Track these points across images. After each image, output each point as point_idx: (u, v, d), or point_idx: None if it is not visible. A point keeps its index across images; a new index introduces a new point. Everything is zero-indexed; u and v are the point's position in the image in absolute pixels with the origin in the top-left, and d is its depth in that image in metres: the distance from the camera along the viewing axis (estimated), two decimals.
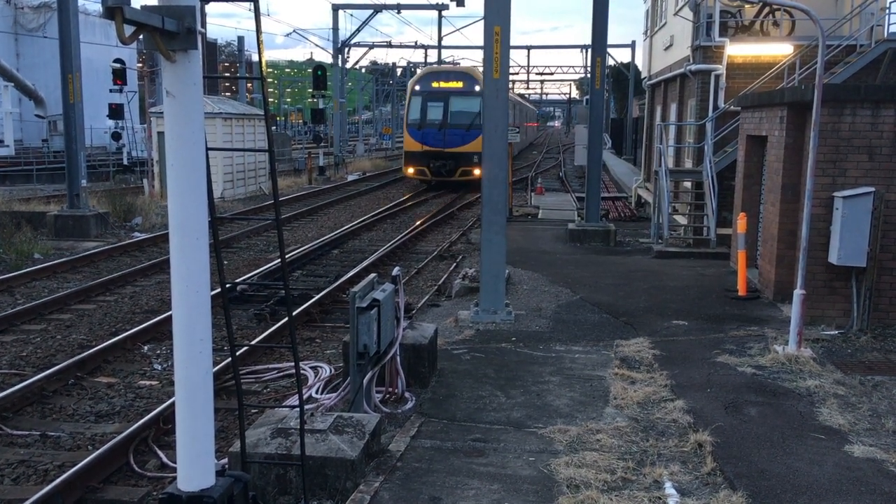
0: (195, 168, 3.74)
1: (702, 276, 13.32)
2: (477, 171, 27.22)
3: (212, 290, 4.07)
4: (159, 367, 9.45)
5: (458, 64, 52.77)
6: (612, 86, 53.71)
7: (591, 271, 13.73)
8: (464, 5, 40.69)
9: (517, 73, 63.45)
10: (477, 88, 28.91)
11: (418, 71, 35.03)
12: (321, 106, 39.04)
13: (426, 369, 7.80)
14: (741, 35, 18.09)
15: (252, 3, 3.95)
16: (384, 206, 25.65)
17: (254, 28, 3.82)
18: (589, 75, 21.20)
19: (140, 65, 50.48)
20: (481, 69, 30.32)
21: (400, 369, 7.43)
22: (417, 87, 30.95)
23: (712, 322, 10.31)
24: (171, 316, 4.00)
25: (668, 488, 5.63)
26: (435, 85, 30.66)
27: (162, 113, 4.13)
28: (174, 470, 5.34)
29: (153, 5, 3.52)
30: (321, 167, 37.88)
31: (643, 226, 19.59)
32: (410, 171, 30.86)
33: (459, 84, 30.50)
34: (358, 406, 6.76)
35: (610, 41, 19.13)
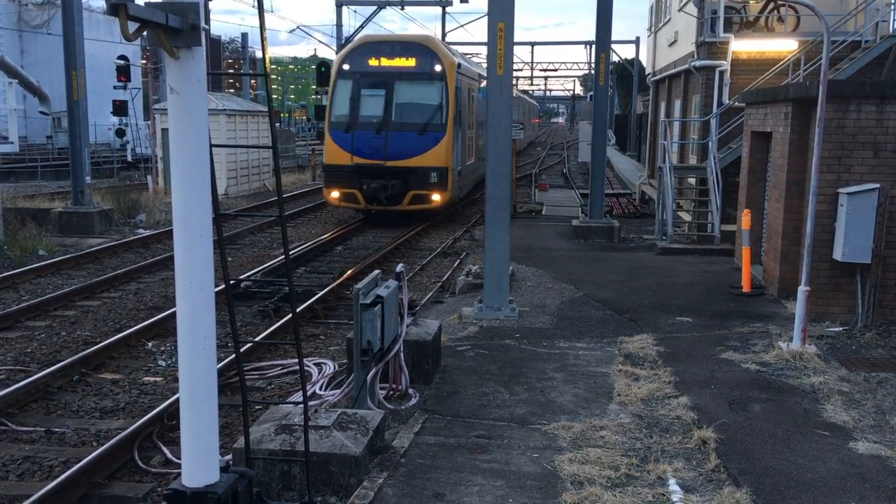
0: (199, 165, 3.74)
1: (706, 272, 13.30)
2: (437, 196, 19.48)
3: (216, 286, 4.07)
4: (163, 364, 9.47)
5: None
6: (615, 82, 53.65)
7: (594, 268, 13.72)
8: (468, 1, 40.60)
9: (521, 70, 63.40)
10: (438, 68, 19.60)
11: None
12: (325, 102, 39.01)
13: (430, 366, 7.80)
14: (746, 31, 18.06)
15: (256, 0, 3.95)
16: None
17: (258, 25, 3.84)
18: (593, 71, 21.17)
19: (144, 61, 50.54)
20: (437, 36, 23.64)
21: (404, 366, 7.44)
22: (346, 66, 19.98)
23: (716, 319, 10.30)
24: (175, 312, 4.01)
25: (672, 485, 5.63)
26: (373, 63, 19.80)
27: (166, 109, 4.13)
28: (178, 466, 5.35)
29: (157, 2, 3.52)
30: None
31: (647, 222, 19.57)
32: (334, 195, 19.96)
33: (410, 62, 19.74)
34: (362, 402, 6.77)
35: (614, 37, 19.03)
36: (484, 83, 23.97)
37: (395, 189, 19.32)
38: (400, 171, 19.27)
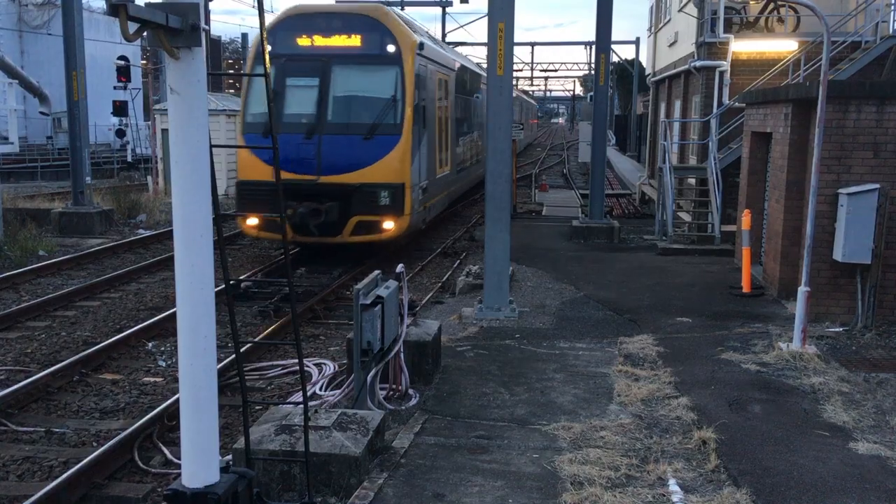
0: (199, 165, 3.75)
1: (706, 272, 13.30)
2: (390, 224, 14.17)
3: (216, 286, 4.07)
4: (163, 364, 9.47)
5: None
6: (616, 82, 53.63)
7: (595, 268, 13.72)
8: (468, 1, 40.61)
9: (521, 70, 63.43)
10: (391, 49, 14.43)
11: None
12: None
13: (430, 366, 7.80)
14: (746, 31, 18.06)
15: (256, 0, 3.95)
16: None
17: (258, 25, 3.87)
18: (593, 72, 21.17)
19: (144, 62, 50.49)
20: (388, 7, 16.05)
21: (404, 366, 7.44)
22: (269, 47, 14.53)
23: (716, 319, 10.29)
24: (175, 313, 4.01)
25: (672, 485, 5.63)
26: (303, 42, 14.59)
27: (166, 110, 4.14)
28: (179, 466, 5.36)
29: (157, 2, 3.52)
30: None
31: (647, 223, 19.56)
32: (250, 223, 14.62)
33: (354, 40, 14.54)
34: (362, 403, 6.77)
35: (614, 38, 19.04)
36: (464, 74, 21.92)
37: (332, 214, 13.88)
38: (338, 190, 13.94)
